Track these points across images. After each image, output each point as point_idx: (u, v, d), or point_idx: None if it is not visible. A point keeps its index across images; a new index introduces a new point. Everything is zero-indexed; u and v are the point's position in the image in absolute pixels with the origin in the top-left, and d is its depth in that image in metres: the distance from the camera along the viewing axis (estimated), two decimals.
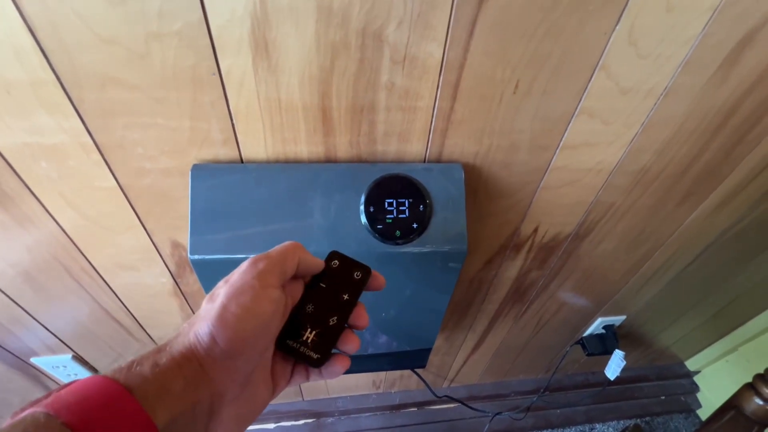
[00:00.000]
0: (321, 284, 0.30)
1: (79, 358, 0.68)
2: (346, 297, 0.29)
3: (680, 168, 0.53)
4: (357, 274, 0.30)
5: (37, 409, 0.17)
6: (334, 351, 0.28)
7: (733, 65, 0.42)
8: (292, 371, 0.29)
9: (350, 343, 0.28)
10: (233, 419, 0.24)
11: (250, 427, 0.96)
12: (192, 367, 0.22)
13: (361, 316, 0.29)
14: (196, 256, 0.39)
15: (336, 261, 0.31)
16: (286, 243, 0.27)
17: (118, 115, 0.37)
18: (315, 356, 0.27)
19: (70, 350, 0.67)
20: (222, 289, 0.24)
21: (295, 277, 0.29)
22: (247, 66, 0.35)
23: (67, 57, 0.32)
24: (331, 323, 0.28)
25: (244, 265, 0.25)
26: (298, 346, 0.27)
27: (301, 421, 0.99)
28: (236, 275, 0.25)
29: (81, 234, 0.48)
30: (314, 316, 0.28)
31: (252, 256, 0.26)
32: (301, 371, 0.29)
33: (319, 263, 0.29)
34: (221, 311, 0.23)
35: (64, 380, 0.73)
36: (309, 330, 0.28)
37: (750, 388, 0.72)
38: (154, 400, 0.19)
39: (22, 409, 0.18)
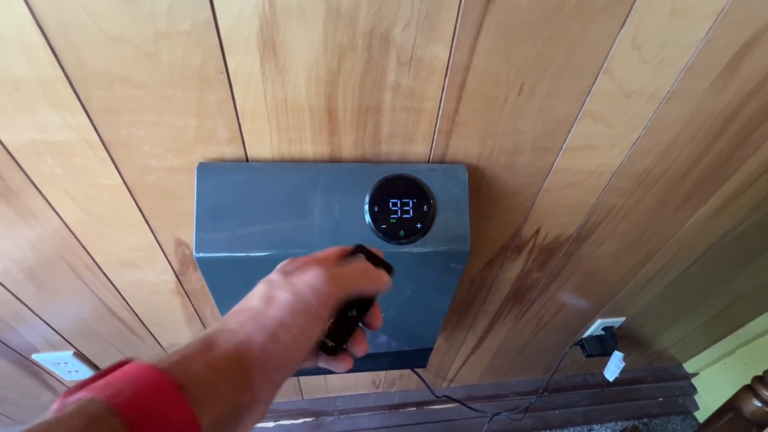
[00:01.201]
0: None
1: (80, 355, 0.69)
2: None
3: (681, 171, 0.53)
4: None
5: (88, 395, 0.17)
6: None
7: (735, 70, 0.42)
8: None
9: (360, 345, 0.28)
10: (258, 417, 0.24)
11: None
12: (239, 373, 0.21)
13: (376, 316, 0.29)
14: (201, 254, 0.39)
15: (361, 255, 0.31)
16: (365, 269, 0.27)
17: (125, 112, 0.37)
18: (330, 344, 0.27)
19: (71, 347, 0.67)
20: (283, 294, 0.23)
21: None
22: (254, 66, 0.35)
23: (75, 54, 0.33)
24: (349, 315, 0.28)
25: (313, 276, 0.24)
26: None
27: (300, 420, 0.99)
28: (302, 284, 0.23)
29: (84, 230, 0.48)
30: None
31: (318, 257, 0.27)
32: (311, 355, 0.29)
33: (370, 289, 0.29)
34: (279, 329, 0.22)
35: (65, 377, 0.73)
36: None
37: (749, 390, 0.72)
38: (202, 401, 0.19)
39: (70, 392, 0.17)
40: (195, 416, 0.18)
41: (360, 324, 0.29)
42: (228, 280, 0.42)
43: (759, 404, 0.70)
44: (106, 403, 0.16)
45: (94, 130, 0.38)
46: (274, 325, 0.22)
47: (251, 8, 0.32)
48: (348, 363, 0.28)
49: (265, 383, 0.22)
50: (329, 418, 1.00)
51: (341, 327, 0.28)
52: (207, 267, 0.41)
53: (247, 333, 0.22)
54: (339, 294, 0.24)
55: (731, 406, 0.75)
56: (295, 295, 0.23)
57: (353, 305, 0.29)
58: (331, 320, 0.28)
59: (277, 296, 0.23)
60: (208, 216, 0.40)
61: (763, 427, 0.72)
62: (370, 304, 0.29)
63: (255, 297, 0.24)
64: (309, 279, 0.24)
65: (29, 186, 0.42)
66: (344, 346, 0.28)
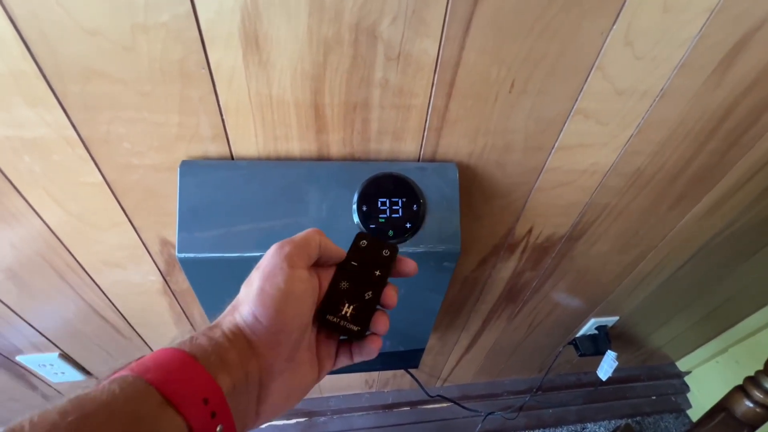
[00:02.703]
0: (352, 263, 0.31)
1: (66, 357, 0.67)
2: (378, 273, 0.31)
3: (674, 170, 0.53)
4: (386, 252, 0.32)
5: (124, 372, 0.20)
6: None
7: (729, 68, 0.41)
8: (336, 352, 0.31)
9: (381, 323, 0.30)
10: (281, 393, 0.26)
11: None
12: (240, 343, 0.24)
13: (389, 295, 0.31)
14: (184, 254, 0.38)
15: (364, 241, 0.33)
16: (307, 230, 0.30)
17: (104, 108, 0.36)
18: (355, 329, 0.29)
19: (56, 348, 0.65)
20: (256, 274, 0.26)
21: (322, 265, 0.31)
22: (237, 61, 0.34)
23: (49, 48, 0.31)
24: (366, 297, 0.30)
25: (271, 251, 0.27)
26: (338, 320, 0.29)
27: (293, 420, 0.98)
28: (266, 261, 0.27)
29: (66, 230, 0.46)
30: (350, 292, 0.30)
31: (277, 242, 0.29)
32: (346, 352, 0.31)
33: (339, 251, 0.31)
34: (259, 293, 0.25)
35: (51, 379, 0.71)
36: (346, 305, 0.30)
37: (740, 390, 0.72)
38: (216, 367, 0.22)
39: (110, 375, 0.20)
40: (213, 379, 0.21)
41: (379, 307, 0.31)
42: (213, 281, 0.41)
43: (750, 405, 0.70)
44: (138, 377, 0.20)
45: (71, 127, 0.37)
46: (255, 293, 0.25)
47: (233, 0, 0.30)
48: (377, 343, 0.30)
49: (268, 348, 0.25)
50: (322, 419, 0.99)
51: (361, 311, 0.29)
52: (190, 267, 0.40)
53: (238, 311, 0.26)
54: (295, 250, 0.27)
55: (723, 407, 0.75)
56: (262, 269, 0.26)
57: (368, 288, 0.30)
58: (351, 307, 0.30)
59: (252, 277, 0.27)
60: (192, 215, 0.39)
61: (755, 428, 0.72)
62: (384, 283, 0.31)
63: (241, 289, 0.27)
64: (266, 255, 0.27)
65: (6, 185, 0.41)
66: (368, 330, 0.30)
